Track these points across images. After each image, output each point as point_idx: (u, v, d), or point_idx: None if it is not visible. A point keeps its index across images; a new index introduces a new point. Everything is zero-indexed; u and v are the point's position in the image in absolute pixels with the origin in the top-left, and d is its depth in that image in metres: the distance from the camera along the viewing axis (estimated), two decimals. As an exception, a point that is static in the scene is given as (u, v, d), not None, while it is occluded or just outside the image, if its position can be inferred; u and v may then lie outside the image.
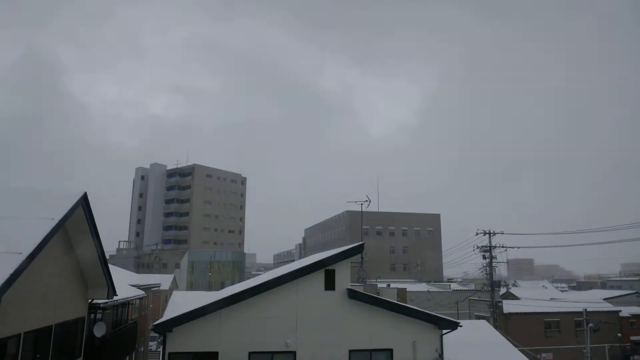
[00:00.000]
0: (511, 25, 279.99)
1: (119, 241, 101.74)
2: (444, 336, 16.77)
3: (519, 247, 39.83)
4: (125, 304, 22.36)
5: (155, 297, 33.99)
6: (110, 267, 17.20)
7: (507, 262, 39.17)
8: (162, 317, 17.11)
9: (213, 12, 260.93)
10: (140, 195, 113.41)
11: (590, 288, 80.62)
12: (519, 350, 22.60)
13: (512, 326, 36.99)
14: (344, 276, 16.42)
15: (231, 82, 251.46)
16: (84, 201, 13.44)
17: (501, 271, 40.22)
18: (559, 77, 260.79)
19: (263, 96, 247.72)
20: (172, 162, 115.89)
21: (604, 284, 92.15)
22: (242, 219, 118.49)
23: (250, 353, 15.13)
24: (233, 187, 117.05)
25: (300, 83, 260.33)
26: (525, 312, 38.67)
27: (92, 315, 17.31)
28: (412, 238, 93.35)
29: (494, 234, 39.03)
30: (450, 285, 67.27)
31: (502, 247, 38.85)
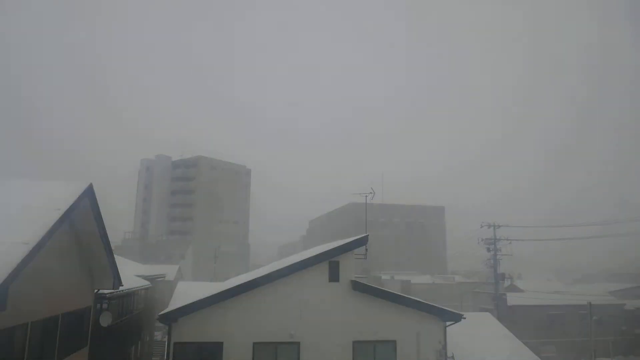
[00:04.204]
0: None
1: (125, 232, 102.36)
2: (447, 328, 16.82)
3: (523, 240, 39.81)
4: (131, 294, 22.52)
5: (161, 288, 34.22)
6: (116, 257, 17.31)
7: (512, 255, 39.12)
8: (167, 307, 17.23)
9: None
10: (146, 187, 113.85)
11: (596, 281, 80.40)
12: (522, 343, 22.63)
13: (516, 319, 37.01)
14: (348, 268, 16.45)
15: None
16: (89, 192, 13.51)
17: (505, 264, 40.21)
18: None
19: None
20: (177, 154, 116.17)
21: (609, 277, 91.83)
22: (246, 211, 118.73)
23: (255, 343, 15.23)
24: (238, 178, 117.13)
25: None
26: (530, 305, 38.65)
27: (98, 305, 17.44)
28: (416, 230, 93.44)
29: (499, 226, 39.01)
30: (454, 277, 67.39)
31: (507, 239, 38.85)
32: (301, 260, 16.56)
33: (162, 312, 15.31)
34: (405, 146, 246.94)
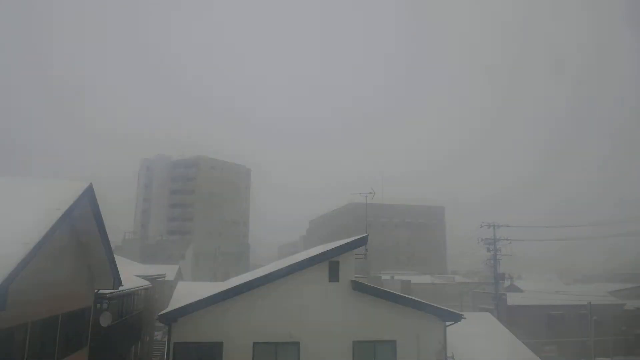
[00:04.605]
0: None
1: (125, 232, 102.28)
2: (447, 328, 16.81)
3: (523, 240, 39.83)
4: (131, 294, 22.53)
5: (161, 288, 34.22)
6: (116, 257, 17.32)
7: (512, 255, 39.13)
8: (167, 307, 17.23)
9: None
10: (146, 187, 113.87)
11: (596, 281, 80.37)
12: (522, 343, 22.65)
13: (516, 319, 37.00)
14: (348, 268, 16.45)
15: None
16: (89, 192, 13.51)
17: (505, 264, 40.22)
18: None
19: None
20: (177, 153, 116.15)
21: (609, 277, 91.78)
22: (246, 211, 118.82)
23: (255, 343, 15.22)
24: (238, 178, 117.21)
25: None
26: (530, 305, 38.62)
27: (98, 305, 17.45)
28: (416, 230, 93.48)
29: (499, 226, 39.01)
30: (454, 277, 67.39)
31: (507, 239, 38.86)
32: (301, 260, 16.55)
33: (162, 312, 15.30)
34: (405, 146, 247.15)
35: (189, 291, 21.00)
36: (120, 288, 17.66)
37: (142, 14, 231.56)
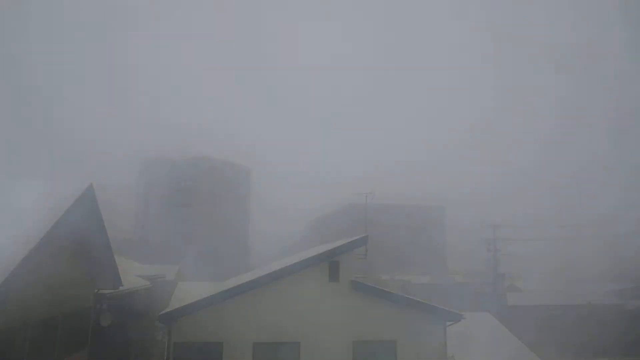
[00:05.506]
0: None
1: (125, 232, 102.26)
2: (447, 328, 16.81)
3: (523, 240, 39.89)
4: (131, 294, 22.54)
5: (161, 288, 34.20)
6: (116, 257, 17.33)
7: (511, 255, 39.18)
8: (167, 307, 17.24)
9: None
10: (146, 187, 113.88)
11: (596, 281, 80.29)
12: (522, 343, 22.64)
13: (516, 319, 37.02)
14: (348, 268, 16.45)
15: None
16: (90, 192, 13.53)
17: (506, 263, 40.26)
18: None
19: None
20: (177, 154, 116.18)
21: (610, 277, 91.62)
22: (247, 211, 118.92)
23: (255, 343, 15.23)
24: (238, 178, 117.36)
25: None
26: (530, 305, 38.64)
27: (98, 305, 17.46)
28: (416, 230, 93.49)
29: (499, 226, 39.06)
30: (454, 277, 67.38)
31: (507, 239, 38.92)
32: (301, 260, 16.56)
33: (162, 312, 15.30)
34: (405, 146, 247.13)
35: (189, 291, 21.03)
36: (120, 288, 17.68)
37: (142, 11, 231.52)
